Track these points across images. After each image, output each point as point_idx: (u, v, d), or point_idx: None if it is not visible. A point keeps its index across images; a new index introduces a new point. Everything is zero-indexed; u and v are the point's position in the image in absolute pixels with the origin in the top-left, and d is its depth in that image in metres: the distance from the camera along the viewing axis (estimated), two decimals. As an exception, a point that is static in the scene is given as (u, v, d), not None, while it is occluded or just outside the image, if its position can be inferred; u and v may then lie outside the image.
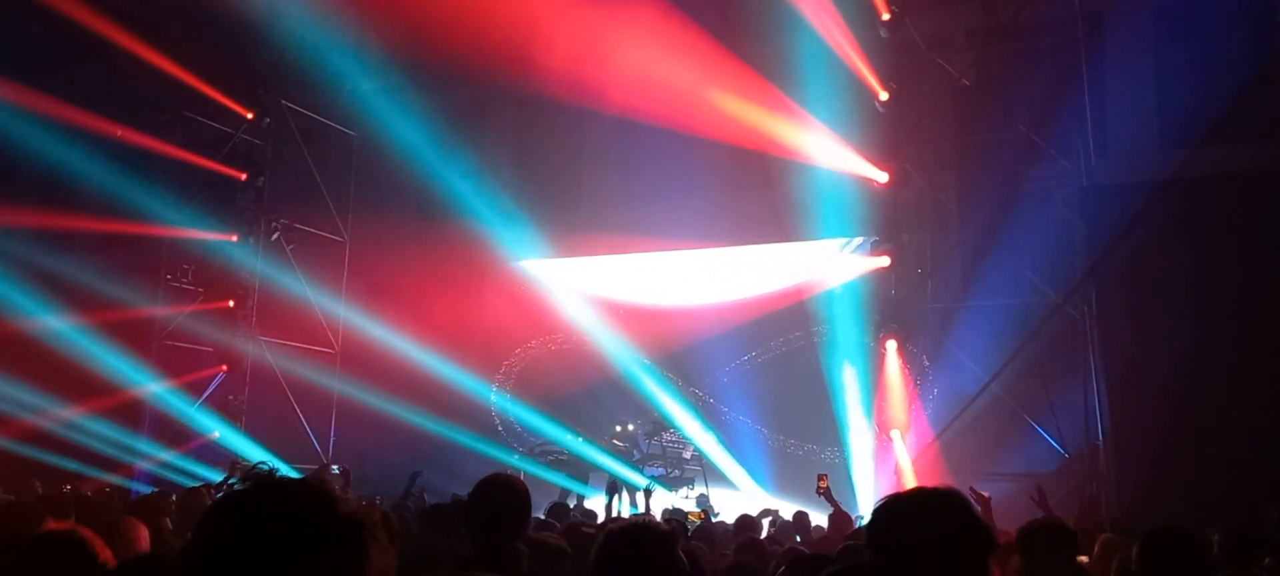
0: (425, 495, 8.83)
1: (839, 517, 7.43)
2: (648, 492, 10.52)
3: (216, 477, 10.18)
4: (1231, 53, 11.01)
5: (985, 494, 6.81)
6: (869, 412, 12.61)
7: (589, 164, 15.35)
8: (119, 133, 13.46)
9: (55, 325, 13.21)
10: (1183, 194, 10.38)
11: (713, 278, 15.09)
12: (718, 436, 14.31)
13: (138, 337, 14.50)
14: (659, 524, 2.65)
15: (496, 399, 14.47)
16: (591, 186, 15.24)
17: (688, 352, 14.20)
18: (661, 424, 14.34)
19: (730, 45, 12.48)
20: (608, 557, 2.53)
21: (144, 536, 3.63)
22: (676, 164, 13.69)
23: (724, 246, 14.91)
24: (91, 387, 13.46)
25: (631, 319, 14.39)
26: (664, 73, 12.50)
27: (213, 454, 14.43)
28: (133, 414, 14.45)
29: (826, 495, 7.88)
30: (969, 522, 2.23)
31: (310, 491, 1.44)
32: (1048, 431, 11.46)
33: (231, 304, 14.97)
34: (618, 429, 14.48)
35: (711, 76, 12.54)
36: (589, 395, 14.35)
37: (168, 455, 13.90)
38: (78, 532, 2.84)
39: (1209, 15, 11.89)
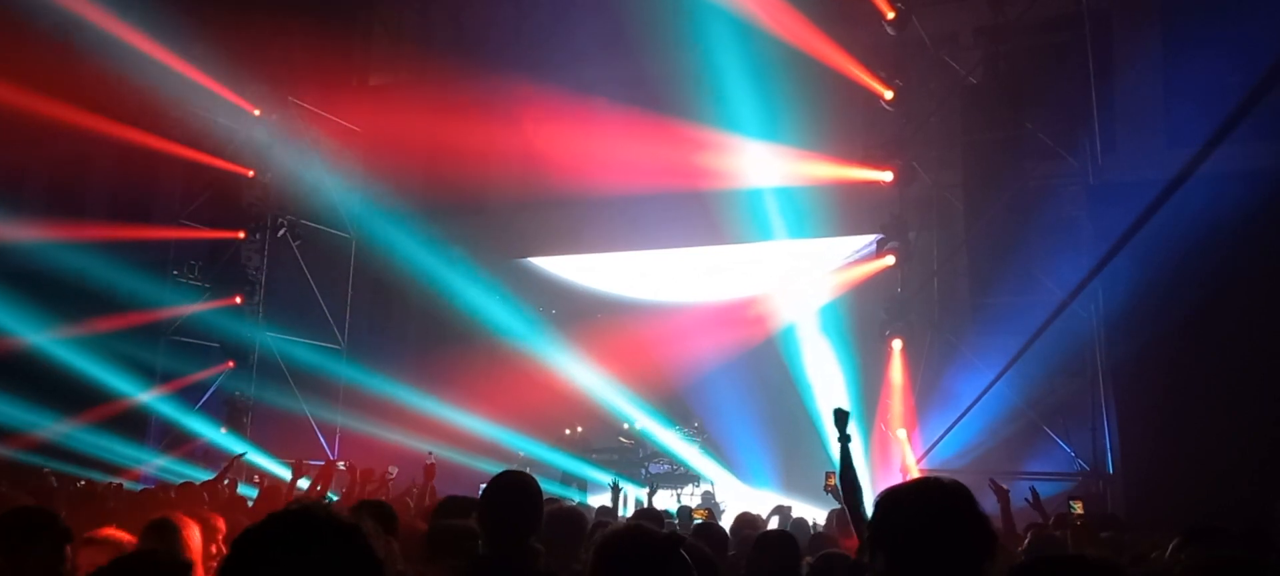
0: None
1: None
2: (651, 493, 10.55)
3: (209, 476, 10.20)
4: (1240, 50, 10.97)
5: (1004, 487, 6.84)
6: (858, 412, 12.66)
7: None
8: (125, 132, 13.48)
9: (60, 337, 13.24)
10: (1191, 192, 10.35)
11: (714, 277, 15.17)
12: (711, 454, 14.28)
13: (144, 335, 14.54)
14: (654, 528, 2.59)
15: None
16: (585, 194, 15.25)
17: (683, 364, 14.13)
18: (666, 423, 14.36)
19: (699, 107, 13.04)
20: (604, 562, 2.49)
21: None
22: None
23: (725, 245, 14.92)
24: (97, 397, 13.52)
25: (618, 341, 14.23)
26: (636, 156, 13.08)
27: (219, 452, 14.49)
28: (139, 417, 14.51)
29: (835, 493, 7.87)
30: (971, 514, 2.20)
31: (346, 532, 1.53)
32: (1054, 429, 11.45)
33: (239, 300, 15.02)
34: (625, 426, 14.49)
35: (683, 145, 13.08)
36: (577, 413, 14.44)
37: (167, 461, 13.94)
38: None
39: (1217, 12, 11.86)
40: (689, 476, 14.23)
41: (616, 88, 13.70)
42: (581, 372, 14.09)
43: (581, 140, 13.54)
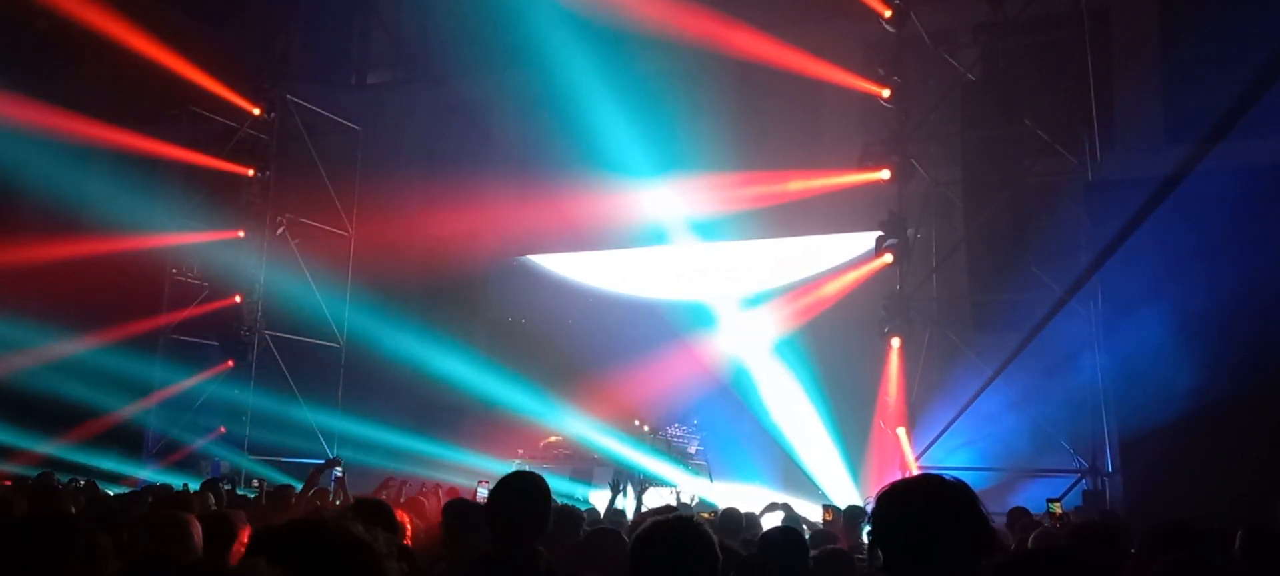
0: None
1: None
2: (643, 485, 10.56)
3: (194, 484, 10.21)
4: (1238, 47, 10.98)
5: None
6: (831, 421, 12.88)
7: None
8: (124, 138, 13.48)
9: (58, 355, 13.23)
10: (1189, 189, 10.36)
11: (716, 273, 15.26)
12: (698, 471, 14.31)
13: (143, 336, 14.55)
14: (697, 521, 2.65)
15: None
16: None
17: (666, 395, 14.24)
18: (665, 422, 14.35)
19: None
20: (646, 555, 2.52)
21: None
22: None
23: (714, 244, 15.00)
24: (94, 409, 13.53)
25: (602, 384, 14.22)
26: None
27: (217, 455, 14.52)
28: (137, 421, 14.55)
29: (834, 526, 8.04)
30: (969, 511, 2.19)
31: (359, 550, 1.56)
32: (1052, 426, 11.46)
33: (238, 299, 15.02)
34: (634, 423, 14.46)
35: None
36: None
37: (161, 471, 13.95)
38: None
39: (1215, 9, 11.87)
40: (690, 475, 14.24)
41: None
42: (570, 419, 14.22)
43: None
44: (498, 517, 3.34)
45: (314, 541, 1.55)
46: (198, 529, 3.66)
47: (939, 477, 2.28)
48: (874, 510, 2.30)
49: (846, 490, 12.25)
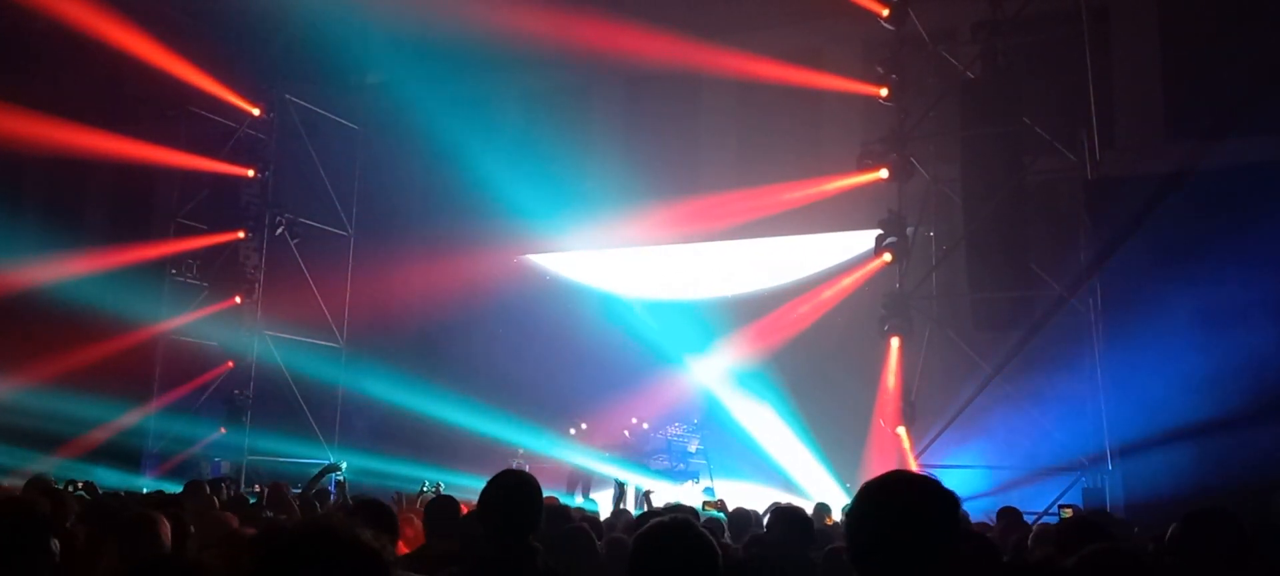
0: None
1: None
2: (648, 494, 10.60)
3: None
4: (1238, 44, 10.98)
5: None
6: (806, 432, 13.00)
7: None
8: (121, 142, 13.45)
9: (56, 374, 13.22)
10: (1189, 187, 10.37)
11: (720, 271, 15.29)
12: (697, 471, 14.36)
13: (143, 340, 14.55)
14: (695, 522, 2.67)
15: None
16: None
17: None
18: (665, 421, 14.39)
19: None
20: (645, 555, 2.54)
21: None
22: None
23: (730, 240, 15.01)
24: (93, 419, 13.53)
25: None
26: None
27: (219, 452, 14.53)
28: (137, 428, 14.56)
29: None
30: (926, 512, 2.13)
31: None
32: (1052, 424, 11.45)
33: (238, 299, 15.02)
34: (632, 421, 14.49)
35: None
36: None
37: (161, 477, 13.96)
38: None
39: (1215, 7, 11.86)
40: (690, 473, 14.27)
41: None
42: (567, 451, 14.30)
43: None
44: (489, 517, 3.34)
45: (321, 547, 1.55)
46: (167, 527, 3.69)
47: (907, 476, 2.25)
48: (848, 511, 2.29)
49: (840, 496, 12.26)
